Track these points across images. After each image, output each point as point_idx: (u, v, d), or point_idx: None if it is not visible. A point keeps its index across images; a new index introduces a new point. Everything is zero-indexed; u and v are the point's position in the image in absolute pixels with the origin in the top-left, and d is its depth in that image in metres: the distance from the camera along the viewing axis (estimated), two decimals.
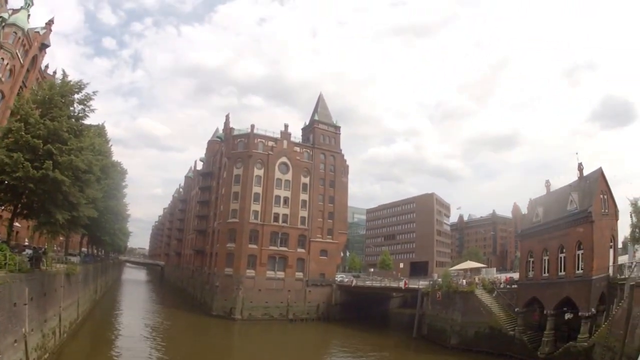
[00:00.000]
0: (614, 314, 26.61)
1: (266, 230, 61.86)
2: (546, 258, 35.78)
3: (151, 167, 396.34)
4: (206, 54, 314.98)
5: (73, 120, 27.75)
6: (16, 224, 34.42)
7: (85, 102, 28.54)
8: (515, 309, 38.02)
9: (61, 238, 49.92)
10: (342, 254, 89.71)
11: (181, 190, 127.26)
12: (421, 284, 54.14)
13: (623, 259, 33.59)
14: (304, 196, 66.34)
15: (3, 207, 30.03)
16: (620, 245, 38.60)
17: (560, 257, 33.97)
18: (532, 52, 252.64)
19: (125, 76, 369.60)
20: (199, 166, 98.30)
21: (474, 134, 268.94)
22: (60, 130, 25.44)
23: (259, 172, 63.72)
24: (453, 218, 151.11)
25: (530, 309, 37.08)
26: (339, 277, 71.07)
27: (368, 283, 67.56)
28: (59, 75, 31.91)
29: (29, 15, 40.82)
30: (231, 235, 61.93)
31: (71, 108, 28.07)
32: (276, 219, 63.26)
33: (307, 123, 74.25)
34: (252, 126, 65.41)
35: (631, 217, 34.35)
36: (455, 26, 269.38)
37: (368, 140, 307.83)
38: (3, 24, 37.13)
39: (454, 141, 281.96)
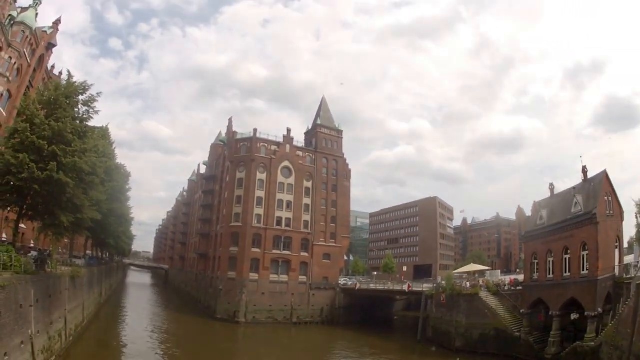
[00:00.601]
0: (620, 313, 26.50)
1: (269, 234, 61.89)
2: (551, 259, 35.78)
3: (155, 170, 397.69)
4: (211, 56, 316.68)
5: (77, 122, 27.84)
6: (22, 225, 34.51)
7: (90, 104, 28.58)
8: (521, 311, 37.92)
9: (66, 240, 50.05)
10: (345, 258, 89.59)
11: (185, 193, 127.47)
12: (425, 286, 53.97)
13: (629, 259, 33.53)
14: (306, 200, 66.43)
15: (9, 209, 30.13)
16: (626, 245, 38.48)
17: (565, 259, 34.00)
18: (536, 53, 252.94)
19: (130, 77, 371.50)
20: (203, 170, 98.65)
21: (477, 136, 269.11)
22: (64, 132, 25.50)
23: (261, 176, 63.84)
24: (457, 221, 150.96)
25: (536, 310, 36.98)
26: (342, 280, 70.93)
27: (372, 286, 67.43)
28: (64, 76, 31.88)
29: (37, 14, 40.12)
30: (234, 239, 61.96)
31: (76, 109, 28.15)
32: (279, 222, 63.31)
33: (309, 127, 74.52)
34: (255, 130, 65.76)
35: (637, 217, 34.27)
36: (459, 28, 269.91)
37: (371, 144, 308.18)
38: (12, 22, 36.68)
39: (457, 144, 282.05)
